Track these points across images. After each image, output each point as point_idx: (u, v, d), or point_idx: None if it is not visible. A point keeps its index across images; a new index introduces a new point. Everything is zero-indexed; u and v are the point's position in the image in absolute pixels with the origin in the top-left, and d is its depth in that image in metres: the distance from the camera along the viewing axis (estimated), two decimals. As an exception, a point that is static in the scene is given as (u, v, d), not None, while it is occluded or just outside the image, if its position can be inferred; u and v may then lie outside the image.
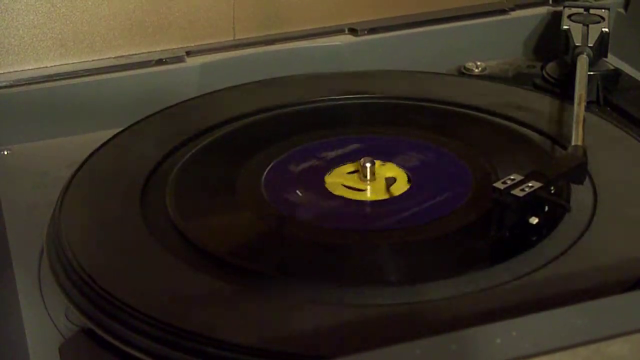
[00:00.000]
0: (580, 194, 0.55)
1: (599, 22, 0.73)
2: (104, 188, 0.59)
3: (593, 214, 0.53)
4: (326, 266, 0.52)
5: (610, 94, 0.71)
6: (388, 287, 0.49)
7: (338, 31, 0.79)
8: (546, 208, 0.52)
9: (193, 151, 0.63)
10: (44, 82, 0.72)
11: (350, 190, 0.58)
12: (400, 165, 0.60)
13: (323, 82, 0.72)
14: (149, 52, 0.75)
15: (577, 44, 0.70)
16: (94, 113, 0.72)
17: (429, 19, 0.80)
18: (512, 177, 0.52)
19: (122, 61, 0.74)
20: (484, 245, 0.52)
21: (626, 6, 0.81)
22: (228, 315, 0.47)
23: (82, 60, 0.74)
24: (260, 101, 0.69)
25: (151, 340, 0.45)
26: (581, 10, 0.75)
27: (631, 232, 0.52)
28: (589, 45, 0.70)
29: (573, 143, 0.57)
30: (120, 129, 0.66)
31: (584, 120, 0.60)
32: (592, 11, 0.75)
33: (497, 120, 0.66)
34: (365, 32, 0.78)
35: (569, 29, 0.72)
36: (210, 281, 0.49)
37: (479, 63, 0.78)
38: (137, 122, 0.67)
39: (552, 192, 0.52)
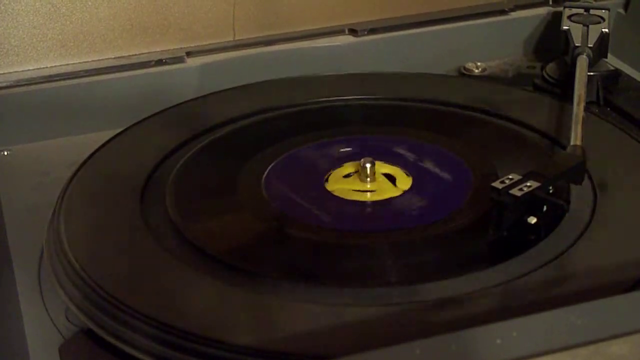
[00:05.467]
0: (579, 194, 0.55)
1: (599, 23, 0.73)
2: (104, 188, 0.59)
3: (593, 214, 0.53)
4: (326, 266, 0.52)
5: (610, 95, 0.71)
6: (388, 287, 0.49)
7: (338, 32, 0.79)
8: (545, 208, 0.52)
9: (193, 152, 0.63)
10: (44, 82, 0.72)
11: (350, 191, 0.58)
12: (400, 165, 0.60)
13: (323, 83, 0.72)
14: (149, 52, 0.75)
15: (577, 45, 0.70)
16: (94, 113, 0.72)
17: (429, 19, 0.80)
18: (510, 177, 0.52)
19: (122, 62, 0.74)
20: (483, 245, 0.52)
21: (626, 7, 0.81)
22: (228, 315, 0.47)
23: (83, 60, 0.74)
24: (260, 102, 0.69)
25: (151, 341, 0.45)
26: (581, 10, 0.75)
27: (631, 232, 0.52)
28: (589, 45, 0.70)
29: (572, 143, 0.57)
30: (121, 130, 0.66)
31: (583, 120, 0.60)
32: (592, 12, 0.75)
33: (497, 120, 0.66)
34: (366, 32, 0.78)
35: (569, 30, 0.72)
36: (210, 281, 0.49)
37: (479, 63, 0.78)
38: (138, 123, 0.67)
39: (551, 192, 0.52)
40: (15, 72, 0.72)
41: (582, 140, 0.57)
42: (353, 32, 0.79)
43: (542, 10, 0.82)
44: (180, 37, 0.76)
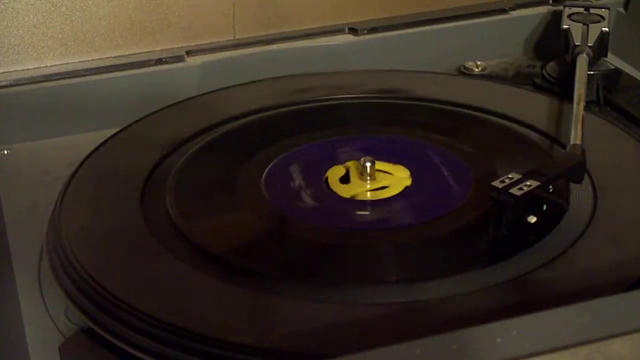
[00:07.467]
0: (580, 194, 0.55)
1: (599, 22, 0.73)
2: (104, 187, 0.59)
3: (593, 214, 0.53)
4: (326, 266, 0.52)
5: (610, 94, 0.71)
6: (388, 286, 0.49)
7: (338, 31, 0.79)
8: (544, 207, 0.52)
9: (193, 150, 0.63)
10: (44, 81, 0.72)
11: (350, 190, 0.58)
12: (400, 164, 0.60)
13: (323, 82, 0.72)
14: (149, 51, 0.75)
15: (577, 44, 0.70)
16: (94, 112, 0.72)
17: (429, 18, 0.80)
18: (510, 176, 0.52)
19: (122, 61, 0.74)
20: (483, 244, 0.52)
21: (626, 6, 0.81)
22: (228, 314, 0.47)
23: (82, 59, 0.74)
24: (260, 101, 0.69)
25: (151, 340, 0.45)
26: (581, 9, 0.75)
27: (631, 231, 0.52)
28: (589, 44, 0.70)
29: (572, 142, 0.57)
30: (120, 128, 0.66)
31: (583, 119, 0.60)
32: (592, 11, 0.75)
33: (497, 119, 0.66)
34: (366, 31, 0.78)
35: (569, 29, 0.72)
36: (210, 281, 0.49)
37: (479, 62, 0.78)
38: (138, 121, 0.67)
39: (551, 191, 0.52)
40: (15, 71, 0.72)
41: (582, 140, 0.57)
42: (353, 31, 0.79)
43: (542, 9, 0.82)
44: (180, 36, 0.76)
